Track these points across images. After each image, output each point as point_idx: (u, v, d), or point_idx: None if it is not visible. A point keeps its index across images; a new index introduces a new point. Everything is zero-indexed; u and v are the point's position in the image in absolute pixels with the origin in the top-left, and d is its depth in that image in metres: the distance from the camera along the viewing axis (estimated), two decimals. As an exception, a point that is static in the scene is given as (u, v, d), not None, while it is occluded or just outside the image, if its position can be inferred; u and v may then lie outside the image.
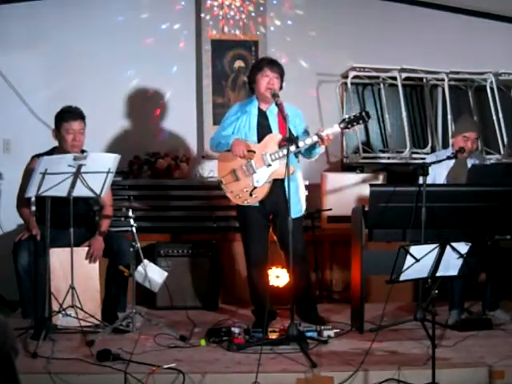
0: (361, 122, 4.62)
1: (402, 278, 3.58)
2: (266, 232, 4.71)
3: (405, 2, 6.56)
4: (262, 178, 4.60)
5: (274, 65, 4.65)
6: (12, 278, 4.67)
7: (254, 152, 4.59)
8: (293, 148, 4.37)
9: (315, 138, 4.55)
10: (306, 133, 4.69)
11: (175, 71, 6.30)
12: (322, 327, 4.45)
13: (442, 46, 6.41)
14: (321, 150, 4.68)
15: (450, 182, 4.98)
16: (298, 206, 4.70)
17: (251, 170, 4.60)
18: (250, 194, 4.60)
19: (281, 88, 4.67)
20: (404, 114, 6.30)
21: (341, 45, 6.40)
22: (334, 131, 4.57)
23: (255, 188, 4.60)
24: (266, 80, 4.60)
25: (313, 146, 4.62)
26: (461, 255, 3.61)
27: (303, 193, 4.82)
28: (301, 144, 4.52)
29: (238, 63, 6.25)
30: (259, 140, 4.64)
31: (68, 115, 4.69)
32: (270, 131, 4.65)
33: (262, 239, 4.69)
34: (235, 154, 4.56)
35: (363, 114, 4.61)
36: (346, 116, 4.67)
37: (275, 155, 4.57)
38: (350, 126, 4.60)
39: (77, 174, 4.30)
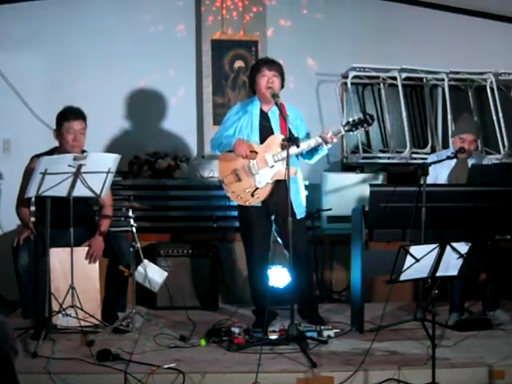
0: (365, 125, 4.65)
1: (402, 278, 3.58)
2: (267, 232, 4.70)
3: (405, 2, 6.56)
4: (263, 178, 4.60)
5: (271, 64, 4.67)
6: (12, 278, 4.66)
7: (257, 153, 4.60)
8: (294, 149, 4.38)
9: (319, 140, 4.56)
10: (307, 136, 4.69)
11: (175, 71, 6.30)
12: (322, 327, 4.44)
13: (442, 46, 6.41)
14: (323, 152, 4.69)
15: (451, 182, 4.98)
16: (301, 207, 4.71)
17: (253, 170, 4.60)
18: (252, 195, 4.60)
19: (282, 87, 4.68)
20: (404, 113, 6.30)
21: (341, 45, 6.41)
22: (338, 133, 4.58)
23: (257, 189, 4.60)
24: (265, 79, 4.61)
25: (315, 148, 4.63)
26: (461, 255, 3.61)
27: (304, 194, 4.82)
28: (304, 145, 4.53)
29: (238, 63, 6.25)
30: (261, 141, 4.64)
31: (69, 115, 4.69)
32: (271, 132, 4.65)
33: (264, 239, 4.69)
34: (238, 154, 4.56)
35: (367, 117, 4.63)
36: (351, 119, 4.68)
37: (278, 156, 4.57)
38: (354, 128, 4.63)
39: (77, 174, 4.30)
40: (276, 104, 4.46)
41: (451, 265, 3.64)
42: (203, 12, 6.21)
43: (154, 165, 5.96)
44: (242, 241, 4.85)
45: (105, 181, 4.39)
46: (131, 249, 4.47)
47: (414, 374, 3.72)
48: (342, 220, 5.36)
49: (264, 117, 4.69)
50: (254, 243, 4.67)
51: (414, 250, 3.51)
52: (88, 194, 4.40)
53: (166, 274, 4.62)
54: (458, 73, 6.40)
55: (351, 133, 4.75)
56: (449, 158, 4.84)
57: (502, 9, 6.54)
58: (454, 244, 3.57)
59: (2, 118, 6.00)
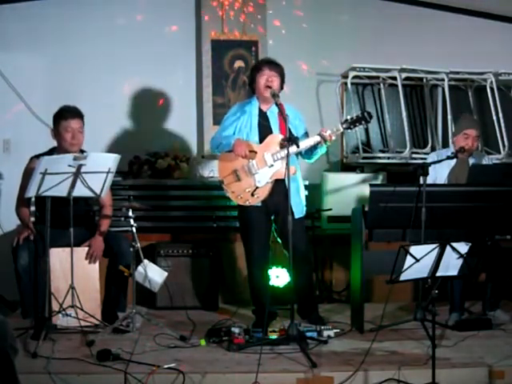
0: (363, 122, 4.65)
1: (402, 278, 3.58)
2: (267, 232, 4.70)
3: (405, 2, 6.56)
4: (263, 178, 4.60)
5: (272, 64, 4.68)
6: (12, 278, 4.66)
7: (256, 152, 4.60)
8: (294, 148, 4.38)
9: (317, 138, 4.56)
10: (306, 135, 4.69)
11: (175, 71, 6.30)
12: (322, 327, 4.45)
13: (442, 46, 6.40)
14: (322, 151, 4.68)
15: (451, 181, 4.98)
16: (300, 207, 4.70)
17: (253, 170, 4.60)
18: (252, 195, 4.60)
19: (282, 88, 4.68)
20: (404, 113, 6.30)
21: (341, 45, 6.40)
22: (336, 131, 4.59)
23: (257, 188, 4.60)
24: (265, 78, 4.61)
25: (314, 147, 4.63)
26: (461, 255, 3.61)
27: (303, 193, 4.82)
28: (302, 144, 4.53)
29: (238, 63, 6.25)
30: (260, 140, 4.64)
31: (66, 114, 4.69)
32: (270, 131, 4.65)
33: (263, 239, 4.69)
34: (237, 154, 4.56)
35: (365, 114, 4.64)
36: (349, 116, 4.70)
37: (277, 155, 4.57)
38: (352, 126, 4.63)
39: (77, 174, 4.30)
40: (276, 104, 4.46)
41: (451, 265, 3.64)
42: (203, 12, 6.21)
43: (154, 165, 5.96)
44: (241, 241, 4.86)
45: (105, 181, 4.39)
46: (131, 249, 4.47)
47: (414, 373, 3.72)
48: (342, 220, 5.35)
49: (263, 116, 4.70)
50: (254, 243, 4.67)
51: (414, 249, 3.51)
52: (88, 194, 4.40)
53: (165, 274, 4.62)
54: (457, 73, 6.39)
55: (350, 130, 4.75)
56: (449, 157, 4.84)
57: (502, 9, 6.53)
58: (454, 244, 3.57)
59: (2, 118, 6.01)
